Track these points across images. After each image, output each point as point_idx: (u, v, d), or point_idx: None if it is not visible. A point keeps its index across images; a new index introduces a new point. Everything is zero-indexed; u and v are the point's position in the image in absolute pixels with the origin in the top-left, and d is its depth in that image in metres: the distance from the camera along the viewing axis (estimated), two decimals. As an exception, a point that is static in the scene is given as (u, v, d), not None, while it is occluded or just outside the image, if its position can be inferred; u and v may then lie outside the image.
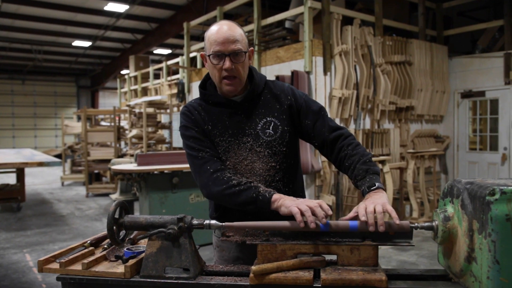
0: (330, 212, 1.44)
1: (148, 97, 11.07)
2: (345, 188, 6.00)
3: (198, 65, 9.17)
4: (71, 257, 1.53)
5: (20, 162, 6.12)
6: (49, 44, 15.99)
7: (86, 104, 21.94)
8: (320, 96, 5.82)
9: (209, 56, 1.67)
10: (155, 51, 16.82)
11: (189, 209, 5.14)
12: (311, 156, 5.67)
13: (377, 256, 1.42)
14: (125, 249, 1.59)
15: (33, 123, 21.56)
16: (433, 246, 5.11)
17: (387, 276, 1.36)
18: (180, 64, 9.96)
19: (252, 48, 1.76)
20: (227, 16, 9.21)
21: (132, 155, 8.43)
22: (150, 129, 8.99)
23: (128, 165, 5.69)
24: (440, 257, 1.48)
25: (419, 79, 7.14)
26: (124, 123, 11.30)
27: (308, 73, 5.79)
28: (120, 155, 9.56)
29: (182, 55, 9.92)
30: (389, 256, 4.86)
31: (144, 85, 12.55)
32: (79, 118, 14.59)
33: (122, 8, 11.81)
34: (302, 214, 1.43)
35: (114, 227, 1.53)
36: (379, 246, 1.43)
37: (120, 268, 1.47)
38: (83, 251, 1.60)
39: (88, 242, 1.70)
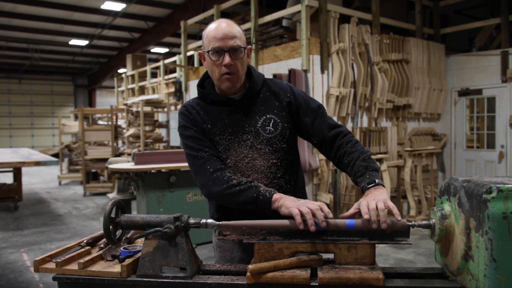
0: (330, 215, 1.44)
1: (145, 96, 11.04)
2: (342, 186, 6.00)
3: (196, 64, 9.15)
4: (67, 256, 1.52)
5: (17, 162, 6.11)
6: (46, 43, 15.93)
7: (83, 103, 21.90)
8: (317, 95, 5.82)
9: (208, 52, 1.67)
10: (152, 50, 16.78)
11: (186, 208, 5.14)
12: (308, 155, 5.67)
13: (374, 254, 1.41)
14: (121, 248, 1.58)
15: (30, 122, 21.50)
16: (430, 244, 5.12)
17: (384, 274, 1.36)
18: (178, 62, 9.94)
19: (250, 46, 1.76)
20: (224, 14, 9.19)
21: (129, 154, 8.41)
22: (147, 128, 8.98)
23: (126, 164, 5.68)
24: (437, 255, 1.48)
25: (416, 77, 7.15)
26: (122, 122, 11.28)
27: (306, 71, 5.79)
28: (118, 154, 9.54)
29: (180, 53, 9.90)
30: (387, 254, 4.86)
31: (141, 84, 12.52)
32: (76, 117, 14.56)
33: (119, 6, 11.77)
34: (302, 215, 1.42)
35: (111, 227, 1.52)
36: (376, 245, 1.43)
37: (116, 268, 1.47)
38: (79, 251, 1.59)
39: (85, 241, 1.69)
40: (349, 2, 8.02)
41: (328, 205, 1.61)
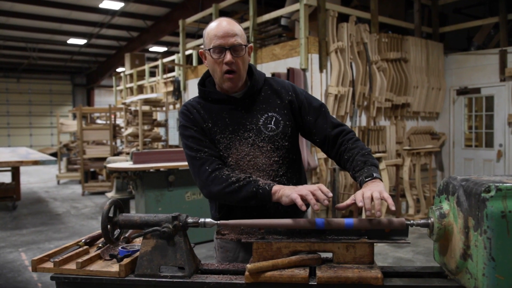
0: (330, 194, 1.44)
1: (144, 95, 11.03)
2: (341, 185, 6.00)
3: (194, 63, 9.14)
4: (65, 256, 1.51)
5: (15, 161, 6.09)
6: (44, 42, 15.90)
7: (82, 102, 21.84)
8: (316, 94, 5.81)
9: (209, 50, 1.67)
10: (151, 49, 16.76)
11: (185, 207, 5.13)
12: (307, 154, 5.67)
13: (372, 253, 1.41)
14: (119, 248, 1.58)
15: (28, 121, 21.47)
16: (429, 243, 5.12)
17: (383, 273, 1.36)
18: (176, 61, 9.93)
19: (251, 44, 1.76)
20: (223, 13, 9.17)
21: (128, 153, 8.40)
22: (146, 127, 8.97)
23: (124, 163, 5.67)
24: (436, 254, 1.48)
25: (415, 76, 7.15)
26: (120, 121, 11.27)
27: (304, 70, 5.78)
28: (116, 153, 9.53)
29: (178, 52, 9.89)
30: (385, 253, 4.87)
31: (139, 83, 12.51)
32: (74, 116, 14.53)
33: (117, 5, 11.75)
34: (302, 198, 1.43)
35: (109, 226, 1.51)
36: (375, 243, 1.43)
37: (114, 267, 1.46)
38: (77, 250, 1.59)
39: (83, 241, 1.69)
40: (347, 1, 8.02)
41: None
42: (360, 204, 1.40)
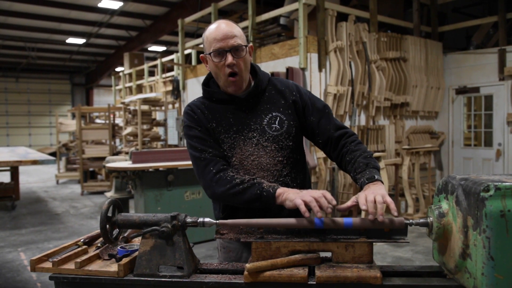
0: (334, 202, 1.44)
1: (143, 94, 11.02)
2: (340, 184, 6.00)
3: (193, 62, 9.13)
4: (64, 256, 1.51)
5: (14, 160, 6.09)
6: (43, 42, 15.87)
7: (81, 102, 21.83)
8: (315, 93, 5.80)
9: (210, 54, 1.66)
10: (150, 48, 16.75)
11: (184, 207, 5.13)
12: (306, 153, 5.66)
13: (372, 253, 1.41)
14: (118, 247, 1.58)
15: (27, 121, 21.44)
16: (428, 242, 5.12)
17: (382, 273, 1.36)
18: (175, 61, 9.92)
19: (251, 44, 1.76)
20: (222, 12, 9.19)
21: (127, 153, 8.39)
22: (145, 127, 8.96)
23: (123, 162, 5.66)
24: (435, 254, 1.48)
25: (414, 75, 7.15)
26: (119, 121, 11.25)
27: (303, 69, 5.78)
28: (115, 152, 9.52)
29: (177, 52, 9.88)
30: (385, 253, 4.87)
31: (138, 82, 12.50)
32: (73, 116, 14.50)
33: (116, 5, 11.74)
34: (306, 205, 1.43)
35: (107, 226, 1.51)
36: (374, 243, 1.43)
37: (113, 267, 1.46)
38: (76, 250, 1.59)
39: (82, 240, 1.68)
40: (346, 0, 8.02)
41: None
42: (363, 207, 1.39)
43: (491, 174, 1.37)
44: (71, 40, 15.59)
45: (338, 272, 1.34)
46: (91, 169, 10.18)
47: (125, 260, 1.47)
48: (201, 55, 1.76)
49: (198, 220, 1.49)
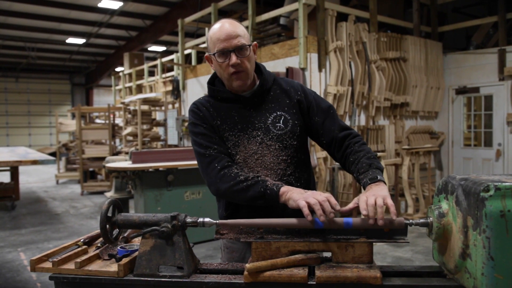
0: (338, 207, 1.43)
1: (143, 94, 11.02)
2: (340, 184, 6.00)
3: (193, 62, 9.13)
4: (64, 256, 1.51)
5: (14, 160, 6.09)
6: (43, 42, 15.87)
7: (81, 102, 21.82)
8: (315, 93, 5.81)
9: (214, 55, 1.67)
10: (150, 48, 16.75)
11: (184, 207, 5.13)
12: (306, 153, 5.66)
13: (371, 253, 1.41)
14: (118, 247, 1.58)
15: (27, 121, 21.44)
16: (428, 242, 5.12)
17: (382, 273, 1.36)
18: (175, 61, 9.92)
19: (256, 42, 1.76)
20: (222, 12, 9.18)
21: (126, 153, 8.39)
22: (145, 127, 8.96)
23: (123, 162, 5.66)
24: (435, 254, 1.48)
25: (413, 76, 7.15)
26: (119, 121, 11.25)
27: (303, 69, 5.78)
28: (115, 152, 9.52)
29: (177, 52, 9.88)
30: (384, 253, 4.87)
31: (138, 82, 12.50)
32: (73, 116, 14.50)
33: (116, 5, 11.74)
34: (309, 207, 1.42)
35: (107, 226, 1.51)
36: (374, 243, 1.43)
37: (113, 267, 1.46)
38: (76, 250, 1.59)
39: (82, 240, 1.68)
40: (346, 0, 8.02)
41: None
42: (364, 212, 1.39)
43: (491, 174, 1.37)
44: (71, 40, 15.59)
45: (338, 272, 1.34)
46: (91, 169, 10.19)
47: (125, 260, 1.47)
48: (206, 54, 1.76)
49: (198, 220, 1.49)
